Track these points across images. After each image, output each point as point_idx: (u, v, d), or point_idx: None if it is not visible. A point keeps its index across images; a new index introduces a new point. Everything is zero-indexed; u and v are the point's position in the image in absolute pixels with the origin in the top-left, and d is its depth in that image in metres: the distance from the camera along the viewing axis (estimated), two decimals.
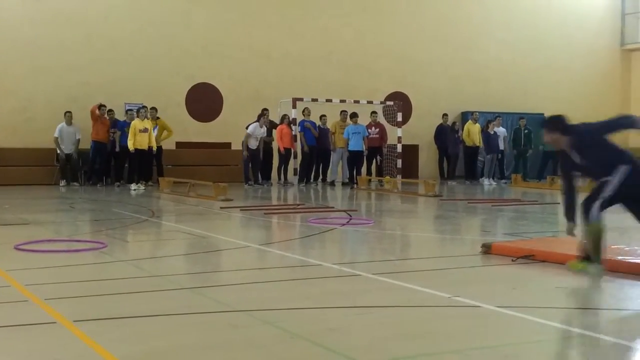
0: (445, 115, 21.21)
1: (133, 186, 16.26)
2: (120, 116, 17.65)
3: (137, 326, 4.79)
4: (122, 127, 17.20)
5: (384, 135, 18.91)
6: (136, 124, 16.41)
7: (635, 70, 25.93)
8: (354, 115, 18.43)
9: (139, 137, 16.38)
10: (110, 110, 17.58)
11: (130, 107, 17.90)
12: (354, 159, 18.39)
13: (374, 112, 19.25)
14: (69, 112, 16.97)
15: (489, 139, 19.79)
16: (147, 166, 16.94)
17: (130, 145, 16.34)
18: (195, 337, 4.55)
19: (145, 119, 16.58)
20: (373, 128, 18.80)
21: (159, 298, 5.65)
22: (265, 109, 17.78)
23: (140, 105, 17.32)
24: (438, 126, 21.22)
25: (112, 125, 17.37)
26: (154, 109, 17.30)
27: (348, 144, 18.25)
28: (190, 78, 19.54)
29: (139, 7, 19.16)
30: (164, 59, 19.25)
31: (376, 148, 18.82)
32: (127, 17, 19.00)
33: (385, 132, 18.96)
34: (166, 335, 4.58)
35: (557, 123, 6.62)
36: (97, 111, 17.03)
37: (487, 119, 20.86)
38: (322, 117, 18.87)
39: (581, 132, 6.51)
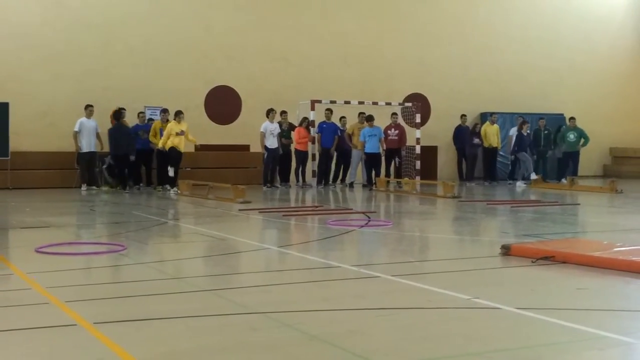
0: (463, 115, 21.14)
1: (172, 191, 16.26)
2: (133, 120, 17.69)
3: (157, 328, 4.81)
4: (143, 129, 17.29)
5: (403, 137, 18.86)
6: (173, 126, 16.52)
7: None
8: (370, 119, 18.41)
9: (175, 140, 16.49)
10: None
11: (152, 111, 18.05)
12: (371, 161, 18.37)
13: (394, 114, 19.21)
14: (90, 105, 16.92)
15: (522, 140, 19.73)
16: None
17: (164, 144, 16.49)
18: (215, 339, 4.57)
19: (182, 122, 16.71)
20: (393, 130, 18.75)
21: (179, 300, 5.67)
22: (277, 109, 17.92)
23: (161, 109, 17.49)
24: (457, 127, 21.16)
25: (131, 130, 17.43)
26: (165, 111, 17.22)
27: (365, 147, 18.23)
28: (210, 81, 19.60)
29: (158, 11, 19.25)
30: (183, 62, 19.33)
31: (395, 149, 18.77)
32: (145, 21, 19.09)
33: (404, 133, 18.91)
34: (186, 337, 4.59)
35: None
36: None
37: (515, 118, 20.77)
38: (342, 118, 18.87)
39: None
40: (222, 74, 19.65)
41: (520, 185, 19.12)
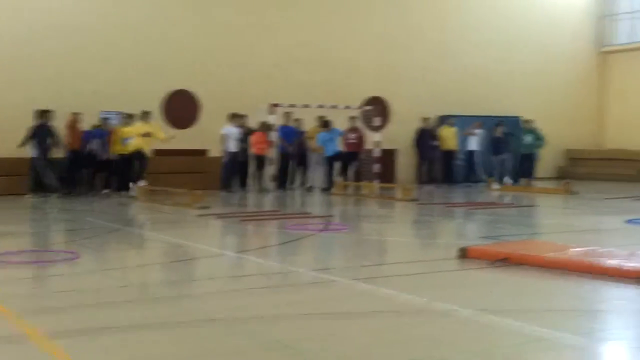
0: (427, 119, 21.24)
1: (133, 186, 16.09)
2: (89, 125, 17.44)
3: (113, 338, 4.72)
4: (100, 136, 17.04)
5: (362, 141, 18.91)
6: (139, 127, 16.31)
7: (612, 73, 26.13)
8: (326, 124, 18.41)
9: (140, 140, 16.29)
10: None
11: (105, 116, 17.77)
12: (333, 163, 18.37)
13: (353, 117, 19.24)
14: (47, 110, 16.51)
15: (498, 142, 20.06)
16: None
17: (129, 147, 16.28)
18: (173, 348, 4.50)
19: (149, 123, 16.54)
20: (352, 133, 18.78)
21: (135, 308, 5.58)
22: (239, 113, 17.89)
23: (113, 113, 17.33)
24: (419, 129, 21.25)
25: (85, 135, 17.20)
26: (129, 116, 17.01)
27: (325, 151, 18.22)
28: (168, 85, 19.41)
29: (114, 14, 19.02)
30: (140, 66, 19.11)
31: (354, 153, 18.82)
32: (101, 25, 18.84)
33: (363, 137, 18.96)
34: (143, 346, 4.52)
35: None
36: (74, 120, 16.82)
37: (466, 123, 20.95)
38: (296, 120, 18.84)
39: None
40: (180, 78, 19.46)
41: (496, 187, 19.23)
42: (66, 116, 16.97)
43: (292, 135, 18.60)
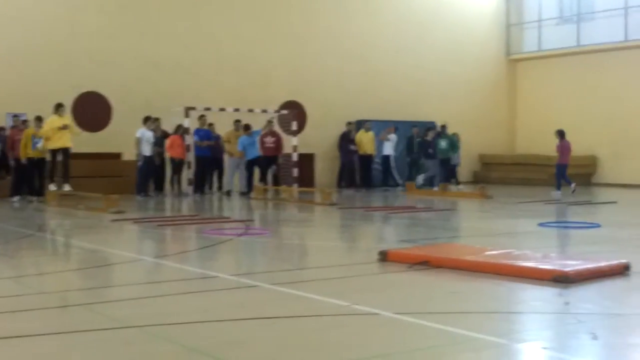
0: (350, 123, 21.37)
1: (52, 187, 15.47)
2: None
3: (25, 347, 4.53)
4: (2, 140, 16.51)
5: (279, 144, 18.87)
6: (54, 121, 15.46)
7: (521, 80, 26.96)
8: (247, 128, 18.34)
9: (59, 135, 15.47)
10: None
11: (16, 118, 17.18)
12: (254, 166, 18.28)
13: (269, 121, 19.19)
14: None
15: (429, 148, 20.44)
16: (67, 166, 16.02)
17: (49, 145, 15.57)
18: (88, 356, 4.36)
19: (64, 115, 15.78)
20: (269, 137, 18.71)
21: (48, 316, 5.39)
22: (154, 116, 17.58)
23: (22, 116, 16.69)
24: (343, 133, 21.40)
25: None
26: (38, 118, 16.43)
27: (245, 155, 18.12)
28: (77, 87, 18.89)
29: (20, 14, 18.41)
30: (49, 67, 18.56)
31: (272, 157, 18.76)
32: (8, 23, 18.22)
33: (281, 140, 18.93)
34: (57, 355, 4.36)
35: None
36: None
37: (381, 128, 21.18)
38: (210, 125, 18.68)
39: None
40: (90, 80, 18.94)
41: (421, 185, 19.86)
42: None
43: (208, 139, 18.43)
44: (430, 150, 20.64)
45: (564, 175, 18.60)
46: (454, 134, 21.48)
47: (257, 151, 18.15)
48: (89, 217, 12.89)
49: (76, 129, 16.19)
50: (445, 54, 25.02)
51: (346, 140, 21.15)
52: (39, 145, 15.82)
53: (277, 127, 19.57)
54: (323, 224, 12.90)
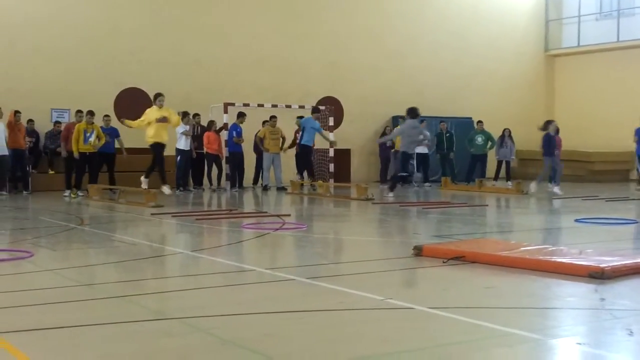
0: (402, 118, 21.32)
1: (166, 189, 14.10)
2: (43, 123, 17.18)
3: (66, 337, 4.66)
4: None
5: None
6: (152, 112, 13.89)
7: (559, 75, 26.70)
8: (315, 110, 18.10)
9: (156, 129, 13.83)
10: (30, 120, 17.41)
11: (59, 113, 17.56)
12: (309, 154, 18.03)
13: (299, 117, 19.25)
14: None
15: (550, 142, 17.81)
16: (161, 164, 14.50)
17: (148, 140, 14.02)
18: (128, 347, 4.46)
19: (163, 107, 13.96)
20: (299, 134, 18.87)
21: (89, 308, 5.52)
22: (190, 112, 17.75)
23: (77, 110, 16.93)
24: (385, 129, 21.50)
25: (28, 133, 17.02)
26: (90, 112, 16.63)
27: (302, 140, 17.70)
28: (119, 83, 19.20)
29: (64, 12, 18.76)
30: (91, 64, 18.88)
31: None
32: (51, 22, 18.57)
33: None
34: (98, 346, 4.47)
35: None
36: (12, 118, 16.52)
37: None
38: (265, 122, 18.74)
39: None
40: (131, 76, 19.27)
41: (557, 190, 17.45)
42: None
43: (240, 136, 18.58)
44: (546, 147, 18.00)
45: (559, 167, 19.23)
46: (506, 129, 21.08)
47: (312, 139, 17.58)
48: (129, 210, 13.11)
49: (177, 118, 14.54)
50: (483, 50, 24.87)
51: (382, 135, 21.17)
52: (91, 139, 15.95)
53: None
54: (358, 219, 12.95)
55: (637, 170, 19.52)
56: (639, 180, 19.23)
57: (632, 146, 19.90)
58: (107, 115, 17.04)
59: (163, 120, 13.88)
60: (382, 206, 14.32)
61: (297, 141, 18.35)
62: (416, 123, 16.41)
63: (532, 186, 17.32)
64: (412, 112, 16.15)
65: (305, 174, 18.31)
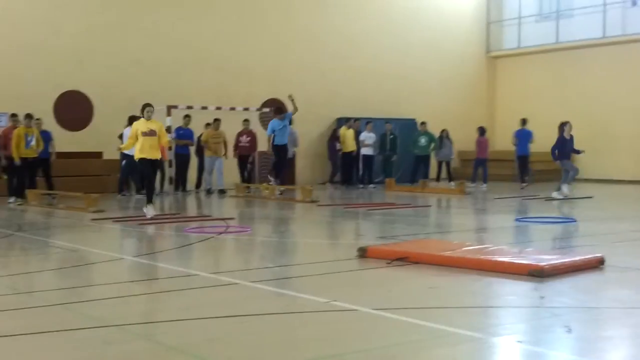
0: (348, 119, 21.37)
1: (149, 211, 12.07)
2: None
3: (6, 347, 4.55)
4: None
5: (254, 143, 18.94)
6: (139, 125, 12.25)
7: (500, 76, 27.15)
8: (279, 111, 17.72)
9: (143, 143, 12.01)
10: None
11: None
12: (280, 153, 17.67)
13: (245, 120, 19.19)
14: None
15: (564, 145, 16.51)
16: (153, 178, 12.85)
17: (134, 151, 12.30)
18: (68, 356, 4.37)
19: (152, 120, 12.31)
20: (244, 136, 18.81)
21: (27, 316, 5.40)
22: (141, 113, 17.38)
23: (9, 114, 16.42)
24: (333, 131, 21.59)
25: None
26: (29, 116, 16.01)
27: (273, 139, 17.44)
28: (59, 86, 18.81)
29: (3, 12, 18.31)
30: (31, 66, 18.47)
31: (246, 156, 18.88)
32: None
33: (255, 139, 18.97)
34: (37, 354, 4.38)
35: None
36: None
37: (361, 125, 21.11)
38: (186, 117, 18.52)
39: None
40: (72, 79, 18.89)
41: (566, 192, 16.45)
42: None
43: (189, 138, 18.42)
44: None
45: (477, 169, 20.50)
46: (444, 130, 21.42)
47: (286, 137, 17.40)
48: (69, 216, 12.86)
49: (166, 139, 13.01)
50: (426, 51, 25.15)
51: (333, 138, 21.27)
52: (33, 143, 15.36)
53: (258, 125, 19.58)
54: (303, 221, 12.95)
55: (518, 171, 20.38)
56: (522, 179, 20.04)
57: (512, 148, 20.77)
58: (38, 118, 16.42)
59: (151, 133, 12.14)
60: (327, 208, 14.35)
61: (272, 143, 18.17)
62: (285, 122, 17.08)
63: (565, 189, 16.26)
64: (279, 110, 17.07)
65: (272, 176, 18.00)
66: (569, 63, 24.66)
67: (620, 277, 6.98)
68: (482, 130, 20.85)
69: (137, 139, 12.18)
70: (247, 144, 18.77)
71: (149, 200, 12.21)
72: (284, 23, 22.45)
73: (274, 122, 16.89)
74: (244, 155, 18.86)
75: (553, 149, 16.45)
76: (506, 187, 20.02)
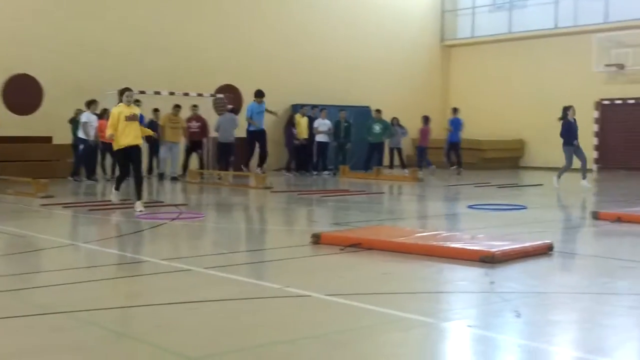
0: (304, 106, 21.29)
1: (138, 206, 10.92)
2: None
3: None
4: None
5: (205, 129, 18.79)
6: (119, 110, 11.21)
7: (454, 65, 27.38)
8: (259, 94, 17.91)
9: (124, 128, 11.05)
10: None
11: None
12: (254, 140, 17.57)
13: (194, 106, 18.96)
14: None
15: (571, 129, 15.88)
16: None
17: (113, 139, 11.19)
18: (16, 343, 4.29)
19: (132, 106, 11.49)
20: (194, 122, 18.65)
21: None
22: (82, 99, 17.13)
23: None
24: (289, 117, 21.55)
25: None
26: None
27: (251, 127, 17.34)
28: (7, 69, 18.37)
29: None
30: None
31: (197, 142, 18.72)
32: None
33: (206, 125, 18.83)
34: None
35: None
36: None
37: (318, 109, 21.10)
38: (156, 110, 18.37)
39: None
40: (21, 62, 18.45)
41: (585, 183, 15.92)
42: None
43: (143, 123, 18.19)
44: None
45: (424, 156, 21.16)
46: (394, 118, 21.57)
47: (262, 123, 17.15)
48: (17, 201, 12.61)
49: (145, 130, 12.07)
50: (381, 39, 25.20)
51: (290, 125, 21.22)
52: None
53: (212, 112, 19.41)
54: (257, 208, 12.91)
55: (446, 156, 21.39)
56: (450, 164, 21.15)
57: (446, 134, 21.65)
58: None
59: (133, 118, 11.26)
60: (280, 195, 14.32)
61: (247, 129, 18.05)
62: (233, 116, 18.07)
63: (555, 181, 15.91)
64: (259, 93, 17.53)
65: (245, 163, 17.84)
66: (521, 53, 24.99)
67: (568, 263, 7.12)
68: (426, 119, 21.55)
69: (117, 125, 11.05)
70: (197, 130, 18.60)
71: (140, 196, 11.08)
72: (238, 9, 22.26)
73: (253, 105, 16.72)
74: (195, 141, 18.70)
75: (561, 134, 15.93)
76: (465, 175, 20.23)
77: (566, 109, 16.08)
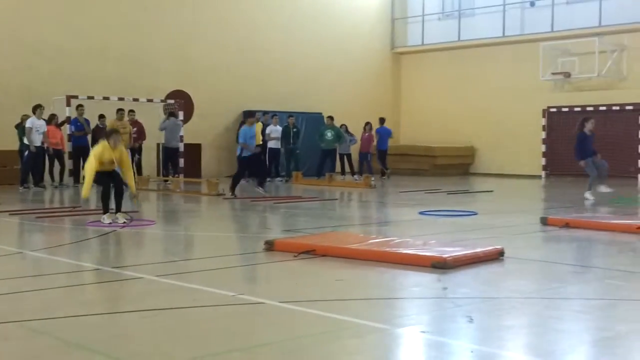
0: (266, 113, 21.13)
1: (120, 218, 10.26)
2: None
3: None
4: None
5: (142, 134, 18.54)
6: (104, 151, 10.25)
7: (404, 72, 27.62)
8: (250, 115, 17.40)
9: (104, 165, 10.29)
10: None
11: None
12: (248, 164, 17.04)
13: (131, 111, 18.60)
14: None
15: (585, 142, 14.62)
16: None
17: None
18: None
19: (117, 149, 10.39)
20: (133, 127, 18.45)
21: None
22: (29, 105, 16.79)
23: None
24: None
25: None
26: None
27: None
28: None
29: None
30: None
31: (138, 146, 18.45)
32: None
33: (143, 129, 18.57)
34: None
35: None
36: None
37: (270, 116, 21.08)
38: (101, 117, 18.11)
39: None
40: None
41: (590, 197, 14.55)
42: None
43: (82, 130, 17.89)
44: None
45: (367, 163, 21.49)
46: (342, 125, 21.66)
47: (254, 145, 16.28)
48: None
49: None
50: (332, 46, 25.30)
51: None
52: None
53: (161, 117, 19.24)
54: (209, 215, 12.82)
55: (380, 164, 22.10)
56: (382, 172, 21.95)
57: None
58: None
59: (112, 164, 10.44)
60: (233, 201, 14.25)
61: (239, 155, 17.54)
62: (178, 121, 18.87)
63: (587, 195, 14.40)
64: (250, 114, 17.20)
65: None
66: (470, 61, 25.33)
67: (519, 268, 7.22)
68: (369, 127, 21.99)
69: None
70: (134, 135, 18.32)
71: (119, 208, 10.45)
72: (189, 14, 22.12)
73: (245, 130, 15.92)
74: (133, 146, 18.34)
75: (575, 147, 14.71)
76: (409, 181, 20.40)
77: (583, 121, 14.74)
